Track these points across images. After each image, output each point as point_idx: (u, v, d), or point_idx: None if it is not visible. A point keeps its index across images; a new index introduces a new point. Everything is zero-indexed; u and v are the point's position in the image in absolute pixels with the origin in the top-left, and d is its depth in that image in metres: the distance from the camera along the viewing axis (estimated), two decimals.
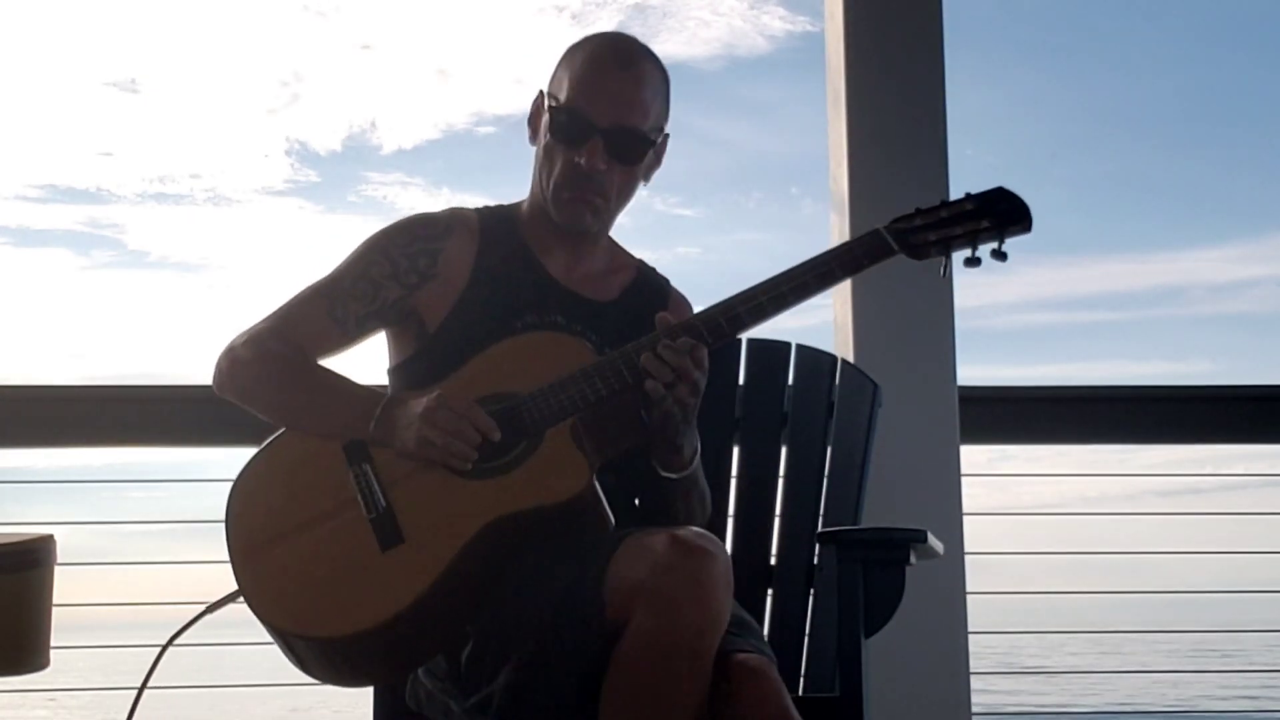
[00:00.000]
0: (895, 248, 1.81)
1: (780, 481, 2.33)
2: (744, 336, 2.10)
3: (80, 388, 3.20)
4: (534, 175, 1.99)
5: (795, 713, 1.65)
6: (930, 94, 2.91)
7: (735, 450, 2.34)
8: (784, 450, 2.34)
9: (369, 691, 2.02)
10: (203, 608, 1.95)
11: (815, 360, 2.37)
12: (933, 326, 2.83)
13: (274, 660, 1.98)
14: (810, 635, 2.23)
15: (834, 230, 2.95)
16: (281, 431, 1.91)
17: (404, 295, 1.95)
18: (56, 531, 2.12)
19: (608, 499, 1.80)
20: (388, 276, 1.95)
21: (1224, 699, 8.08)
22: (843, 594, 1.95)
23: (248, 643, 2.42)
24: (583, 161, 1.90)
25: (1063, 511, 3.32)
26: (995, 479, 3.27)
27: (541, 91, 1.98)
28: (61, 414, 2.94)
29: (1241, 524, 3.37)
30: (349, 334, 1.96)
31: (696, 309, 1.90)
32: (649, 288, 2.07)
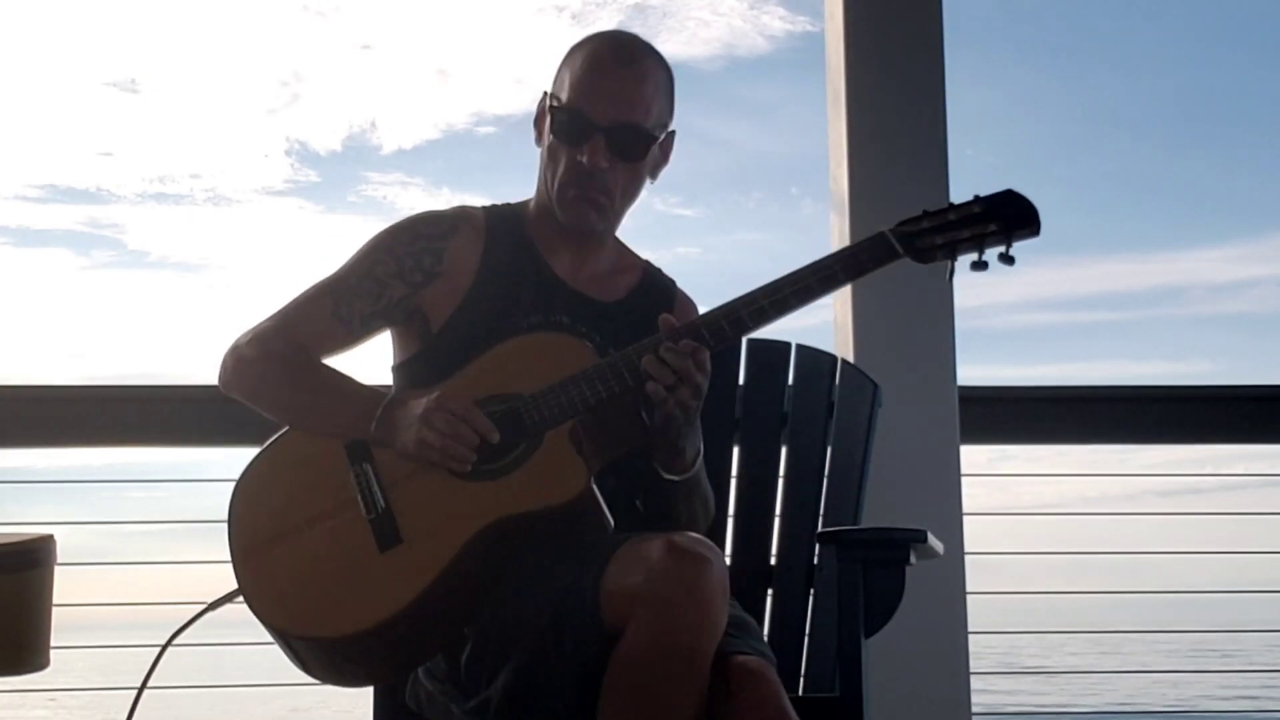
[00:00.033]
0: (900, 251, 1.79)
1: (780, 481, 2.33)
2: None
3: (80, 388, 3.20)
4: (539, 176, 1.99)
5: (794, 714, 1.65)
6: (930, 94, 2.91)
7: (735, 450, 2.34)
8: (784, 450, 2.34)
9: (369, 692, 2.02)
10: (202, 607, 1.95)
11: (815, 360, 2.37)
12: (933, 326, 2.83)
13: (274, 660, 1.98)
14: (810, 635, 2.23)
15: (834, 230, 2.95)
16: (285, 430, 1.91)
17: (409, 294, 1.95)
18: (56, 531, 2.13)
19: (609, 501, 1.79)
20: (393, 275, 1.95)
21: (1224, 699, 8.09)
22: (843, 594, 1.95)
23: (248, 643, 2.42)
24: (585, 160, 1.90)
25: (1063, 511, 3.32)
26: (995, 479, 3.27)
27: (545, 92, 1.98)
28: (61, 414, 2.94)
29: (1241, 524, 3.38)
30: (354, 333, 1.96)
31: (701, 310, 1.90)
32: (655, 289, 2.06)
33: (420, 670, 1.89)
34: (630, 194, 1.97)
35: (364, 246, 1.98)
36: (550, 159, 1.95)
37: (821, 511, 2.28)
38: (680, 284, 2.10)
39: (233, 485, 1.88)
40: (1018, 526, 3.25)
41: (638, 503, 1.91)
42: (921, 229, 1.80)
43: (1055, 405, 3.10)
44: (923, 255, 1.80)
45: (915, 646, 2.65)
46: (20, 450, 3.03)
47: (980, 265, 1.79)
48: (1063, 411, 3.08)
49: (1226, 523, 3.38)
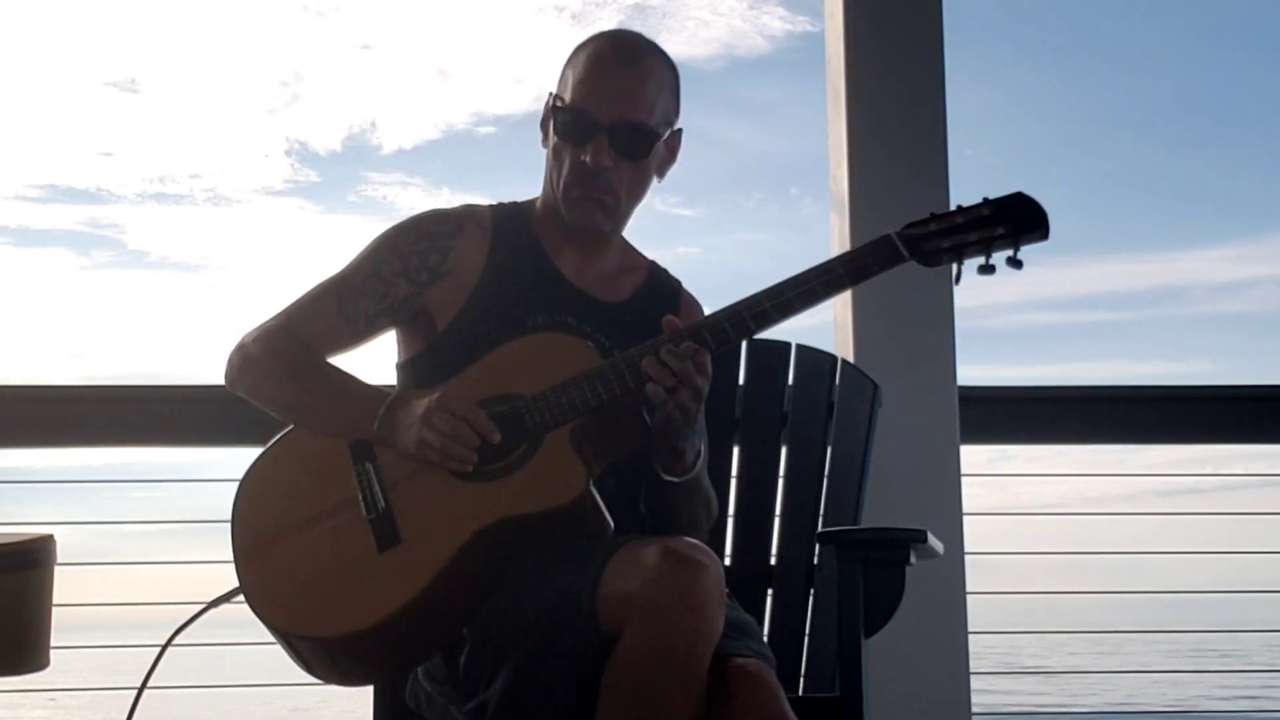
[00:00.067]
0: (905, 255, 1.77)
1: (780, 481, 2.33)
2: None
3: (80, 388, 3.20)
4: (545, 176, 1.99)
5: (793, 716, 1.65)
6: (930, 94, 2.91)
7: (735, 450, 2.34)
8: (784, 450, 2.34)
9: (369, 692, 2.02)
10: (205, 605, 1.95)
11: (815, 360, 2.37)
12: (933, 326, 2.83)
13: (274, 660, 1.98)
14: (810, 635, 2.23)
15: (834, 230, 2.95)
16: (289, 429, 1.91)
17: (414, 293, 1.94)
18: (56, 531, 2.12)
19: (611, 502, 1.79)
20: (398, 274, 1.94)
21: (1224, 699, 8.08)
22: (843, 594, 1.95)
23: (248, 643, 2.42)
24: (588, 160, 1.89)
25: (1063, 511, 3.32)
26: (995, 479, 3.27)
27: (551, 93, 1.98)
28: (61, 414, 2.95)
29: (1241, 524, 3.37)
30: (359, 332, 1.95)
31: (706, 311, 1.89)
32: (660, 289, 2.05)
33: (419, 671, 1.89)
34: (636, 193, 1.97)
35: (370, 245, 1.97)
36: (555, 159, 1.95)
37: (821, 511, 2.28)
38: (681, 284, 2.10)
39: (235, 484, 1.88)
40: (1018, 526, 3.25)
41: (640, 505, 1.90)
42: (928, 232, 1.77)
43: (1055, 405, 3.10)
44: (928, 259, 1.77)
45: (915, 646, 2.65)
46: (20, 450, 3.03)
47: (987, 269, 1.76)
48: (1063, 411, 3.08)
49: (1226, 523, 3.38)
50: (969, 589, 2.80)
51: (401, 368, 2.00)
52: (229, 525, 1.86)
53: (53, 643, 2.11)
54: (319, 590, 1.79)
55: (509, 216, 2.01)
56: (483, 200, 2.07)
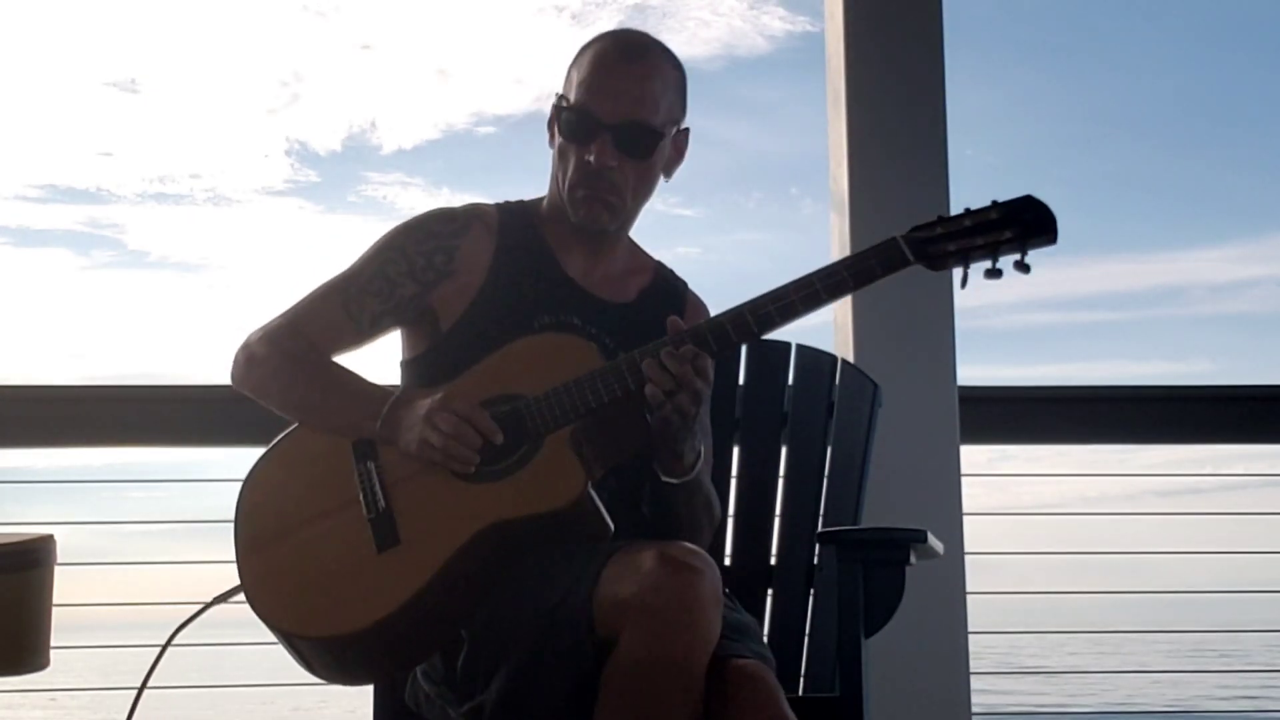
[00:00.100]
0: (911, 259, 1.75)
1: (780, 481, 2.33)
2: None
3: (80, 388, 3.21)
4: (551, 177, 1.98)
5: (793, 717, 1.65)
6: (930, 94, 2.91)
7: (735, 450, 2.34)
8: (784, 450, 2.34)
9: (370, 692, 2.02)
10: (206, 602, 1.95)
11: (815, 360, 2.37)
12: (933, 326, 2.83)
13: (275, 660, 1.98)
14: (810, 635, 2.23)
15: (834, 230, 2.95)
16: (293, 427, 1.91)
17: (420, 292, 1.94)
18: (56, 531, 2.12)
19: (612, 503, 1.79)
20: (404, 274, 1.94)
21: (1224, 699, 8.08)
22: (843, 594, 1.95)
23: (248, 643, 2.42)
24: (592, 159, 1.89)
25: (1063, 511, 3.32)
26: (995, 479, 3.27)
27: (557, 93, 1.97)
28: (61, 414, 2.95)
29: (1241, 524, 3.37)
30: (364, 331, 1.95)
31: (712, 313, 1.88)
32: (666, 290, 2.05)
33: (418, 671, 1.89)
34: (642, 192, 1.96)
35: (376, 244, 1.97)
36: (560, 159, 1.95)
37: (821, 511, 2.28)
38: None
39: (235, 484, 1.88)
40: (1018, 526, 3.25)
41: (643, 506, 1.90)
42: (934, 235, 1.75)
43: (1055, 405, 3.09)
44: (934, 263, 1.75)
45: (915, 646, 2.65)
46: (20, 450, 3.03)
47: (994, 273, 1.73)
48: (1063, 411, 3.08)
49: (1226, 523, 3.38)
50: (969, 589, 2.80)
51: (406, 365, 2.00)
52: (232, 523, 1.86)
53: (53, 643, 2.11)
54: (318, 590, 1.79)
55: (515, 216, 2.01)
56: (485, 200, 2.07)
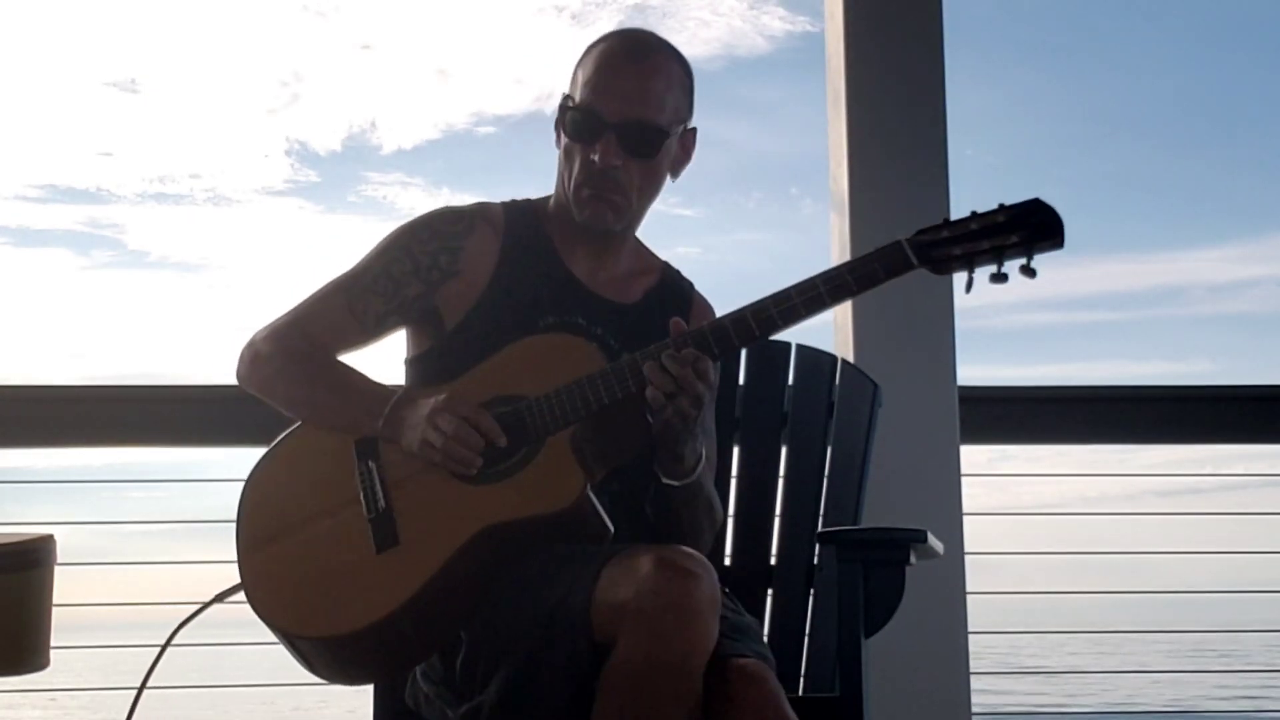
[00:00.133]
0: (916, 262, 1.73)
1: (780, 481, 2.33)
2: None
3: (80, 388, 3.20)
4: (557, 177, 1.98)
5: (793, 716, 1.65)
6: (930, 94, 2.91)
7: (735, 450, 2.34)
8: (784, 450, 2.34)
9: (370, 692, 2.02)
10: (207, 600, 1.95)
11: (815, 360, 2.37)
12: (933, 326, 2.83)
13: (275, 660, 1.98)
14: (810, 635, 2.23)
15: (834, 230, 2.95)
16: (297, 425, 1.91)
17: (425, 292, 1.94)
18: (56, 531, 2.12)
19: (614, 505, 1.79)
20: (409, 274, 1.94)
21: (1224, 699, 8.08)
22: (843, 594, 1.95)
23: (248, 643, 2.42)
24: (596, 159, 1.88)
25: (1063, 511, 3.32)
26: (995, 479, 3.26)
27: (564, 94, 1.97)
28: (61, 414, 2.94)
29: (1241, 524, 3.37)
30: (369, 331, 1.95)
31: (719, 313, 1.87)
32: (672, 291, 2.04)
33: (418, 671, 1.89)
34: (648, 192, 1.95)
35: (381, 243, 1.97)
36: (566, 159, 1.94)
37: (821, 511, 2.27)
38: None
39: (235, 484, 1.89)
40: (1018, 526, 3.25)
41: (646, 507, 1.90)
42: (940, 239, 1.73)
43: (1055, 405, 3.09)
44: (939, 266, 1.73)
45: (915, 646, 2.65)
46: (20, 450, 3.03)
47: (1000, 278, 1.71)
48: (1063, 411, 3.08)
49: (1226, 523, 3.38)
50: (969, 589, 2.80)
51: (410, 363, 2.00)
52: (234, 522, 1.86)
53: (53, 643, 2.11)
54: (317, 589, 1.79)
55: (521, 215, 2.00)
56: (490, 199, 2.05)
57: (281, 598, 1.80)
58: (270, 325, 1.95)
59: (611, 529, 1.76)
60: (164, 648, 1.98)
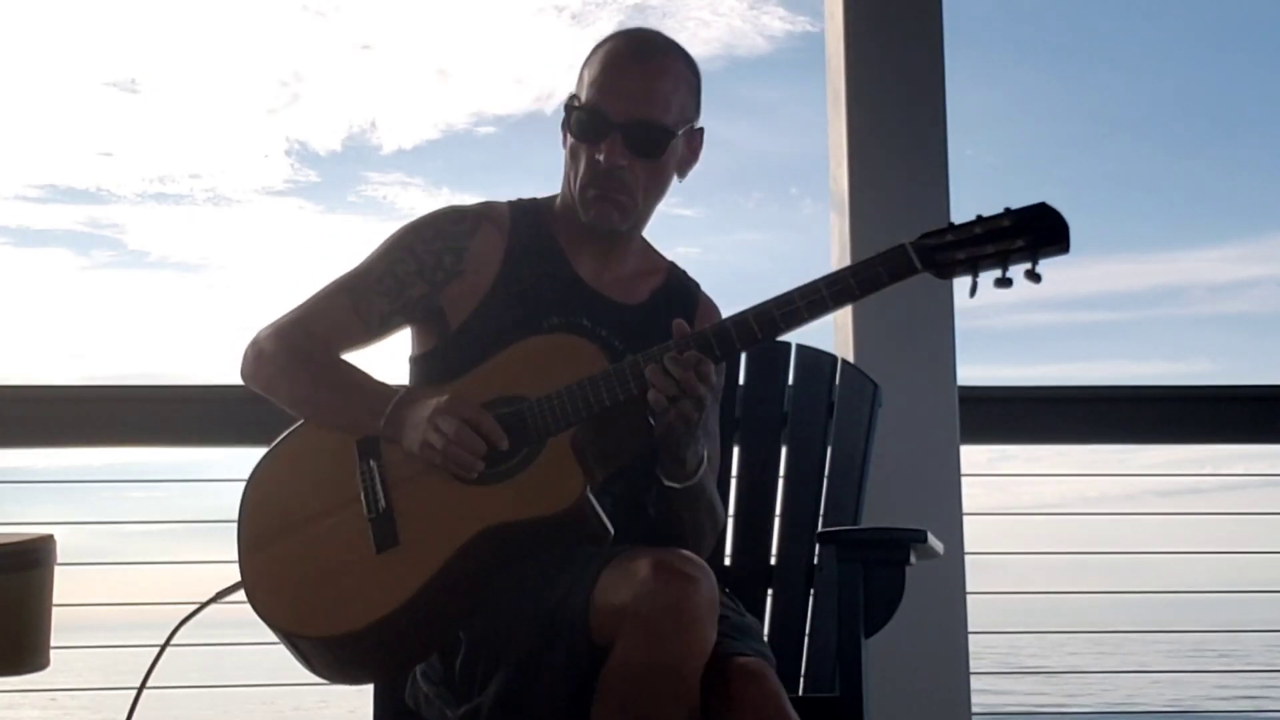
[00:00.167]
0: (919, 266, 1.72)
1: (780, 481, 2.33)
2: None
3: (80, 388, 3.21)
4: (564, 177, 1.97)
5: (794, 715, 1.65)
6: (930, 94, 2.91)
7: (735, 450, 2.34)
8: (784, 450, 2.34)
9: (370, 691, 2.02)
10: (208, 598, 1.95)
11: (815, 360, 2.36)
12: (933, 326, 2.83)
13: (275, 660, 1.98)
14: (810, 635, 2.23)
15: (834, 230, 2.95)
16: (300, 424, 1.91)
17: (429, 292, 1.93)
18: (56, 531, 2.12)
19: (617, 507, 1.79)
20: (413, 274, 1.93)
21: (1224, 699, 8.09)
22: (843, 594, 1.95)
23: (248, 643, 2.42)
24: (602, 159, 1.88)
25: (1063, 511, 3.32)
26: (995, 479, 3.27)
27: (570, 93, 1.96)
28: (61, 414, 2.95)
29: (1241, 524, 3.38)
30: (372, 330, 1.95)
31: (724, 314, 1.87)
32: (678, 292, 2.03)
33: (418, 671, 1.89)
34: (654, 192, 1.94)
35: (386, 242, 1.97)
36: (572, 159, 1.93)
37: (821, 511, 2.28)
38: None
39: (235, 484, 1.89)
40: (1018, 526, 3.25)
41: (650, 509, 1.89)
42: (944, 243, 1.71)
43: (1055, 405, 3.09)
44: (943, 271, 1.72)
45: (915, 646, 2.65)
46: (20, 450, 3.03)
47: (1004, 282, 1.70)
48: (1063, 411, 3.08)
49: (1226, 523, 3.38)
50: (969, 589, 2.80)
51: (414, 362, 1.99)
52: (234, 522, 1.86)
53: (53, 643, 2.11)
54: (317, 589, 1.79)
55: (527, 215, 2.00)
56: (485, 199, 2.05)
57: (282, 597, 1.80)
58: (274, 323, 1.95)
59: (611, 531, 1.76)
60: (163, 647, 1.98)
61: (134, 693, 1.97)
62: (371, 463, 1.83)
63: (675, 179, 1.97)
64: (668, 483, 1.83)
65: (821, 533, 2.22)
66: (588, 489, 1.75)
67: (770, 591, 2.28)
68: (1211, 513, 3.37)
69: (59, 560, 2.11)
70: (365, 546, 1.78)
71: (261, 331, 1.96)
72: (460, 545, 1.74)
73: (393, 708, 1.97)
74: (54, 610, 2.11)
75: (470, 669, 1.73)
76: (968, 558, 2.81)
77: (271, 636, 1.83)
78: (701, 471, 1.84)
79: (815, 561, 2.25)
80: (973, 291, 1.72)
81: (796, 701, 1.68)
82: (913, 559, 1.97)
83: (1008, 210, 1.70)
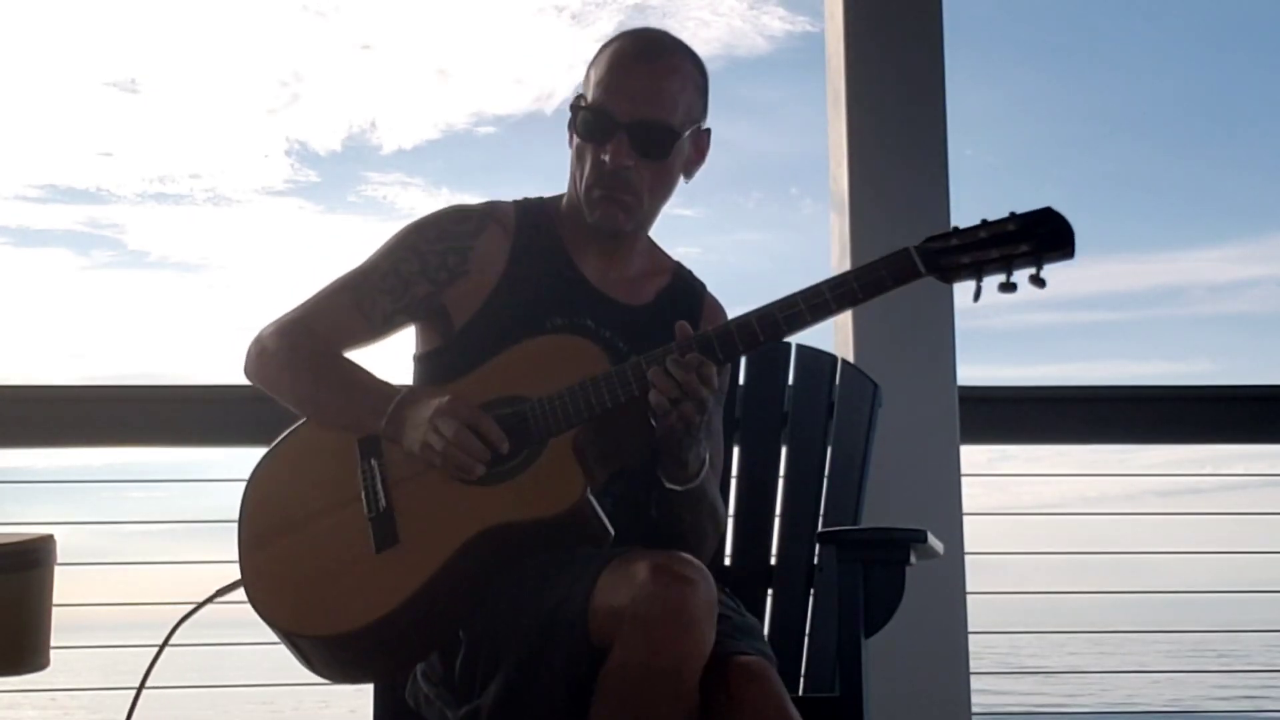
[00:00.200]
0: (923, 270, 1.71)
1: (780, 481, 2.33)
2: None
3: (80, 388, 3.21)
4: (569, 177, 1.96)
5: (795, 714, 1.65)
6: (930, 94, 2.91)
7: (735, 450, 2.34)
8: (784, 450, 2.34)
9: (370, 691, 2.02)
10: (207, 596, 1.95)
11: (815, 360, 2.36)
12: (933, 326, 2.83)
13: (275, 660, 1.98)
14: (810, 635, 2.23)
15: (834, 230, 2.95)
16: (302, 422, 1.91)
17: (433, 292, 1.93)
18: (56, 531, 2.12)
19: (619, 508, 1.78)
20: (417, 273, 1.93)
21: (1224, 699, 8.08)
22: (843, 594, 1.95)
23: (248, 642, 2.42)
24: (607, 159, 1.87)
25: (1063, 511, 3.32)
26: (995, 479, 3.27)
27: (577, 94, 1.95)
28: (61, 414, 2.95)
29: (1241, 524, 3.38)
30: (376, 329, 1.95)
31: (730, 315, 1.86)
32: (684, 293, 2.03)
33: (418, 670, 1.89)
34: (660, 193, 1.94)
35: (390, 241, 1.96)
36: (578, 160, 1.93)
37: (821, 511, 2.28)
38: None
39: (235, 484, 1.89)
40: (1018, 526, 3.25)
41: (652, 510, 1.88)
42: (949, 247, 1.71)
43: (1055, 405, 3.09)
44: (947, 275, 1.71)
45: (915, 646, 2.65)
46: (20, 450, 3.03)
47: (1009, 287, 1.69)
48: (1063, 411, 3.08)
49: (1226, 523, 3.38)
50: (969, 589, 2.80)
51: (418, 360, 1.99)
52: (233, 522, 1.86)
53: (53, 643, 2.11)
54: (316, 588, 1.79)
55: (532, 215, 1.99)
56: (485, 199, 2.04)
57: (282, 596, 1.80)
58: (277, 321, 1.95)
59: (612, 532, 1.76)
60: (162, 646, 1.99)
61: (134, 692, 1.97)
62: (372, 462, 1.82)
63: (682, 180, 1.97)
64: (669, 485, 1.82)
65: (821, 533, 2.22)
66: (588, 490, 1.74)
67: (770, 591, 2.28)
68: (1211, 513, 3.37)
69: (59, 560, 2.11)
70: (365, 546, 1.78)
71: (265, 328, 1.95)
72: (460, 545, 1.74)
73: (393, 708, 1.97)
74: (54, 610, 2.11)
75: (470, 669, 1.73)
76: (968, 558, 2.81)
77: (271, 636, 1.83)
78: (703, 474, 1.83)
79: (815, 561, 2.25)
80: (976, 296, 1.72)
81: (796, 701, 1.68)
82: (913, 559, 1.97)
83: (1013, 214, 1.70)
